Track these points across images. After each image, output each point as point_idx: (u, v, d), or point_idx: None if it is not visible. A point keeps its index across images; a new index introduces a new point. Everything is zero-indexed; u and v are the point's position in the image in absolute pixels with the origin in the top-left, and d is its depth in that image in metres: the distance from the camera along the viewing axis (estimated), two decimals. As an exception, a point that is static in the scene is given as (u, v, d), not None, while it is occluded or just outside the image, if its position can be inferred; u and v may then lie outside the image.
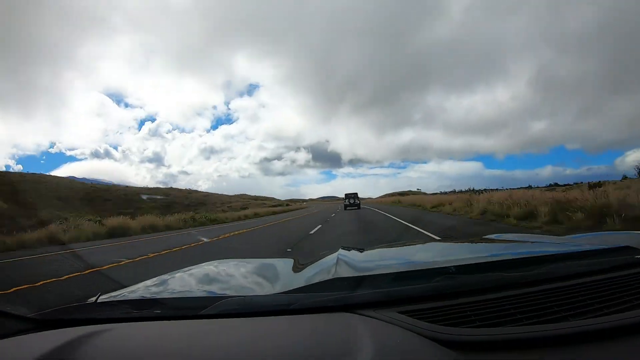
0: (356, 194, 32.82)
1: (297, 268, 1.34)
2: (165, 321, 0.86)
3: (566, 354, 0.64)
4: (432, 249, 1.79)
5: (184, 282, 1.30)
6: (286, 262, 1.45)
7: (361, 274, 1.03)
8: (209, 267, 1.48)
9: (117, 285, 1.23)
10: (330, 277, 1.02)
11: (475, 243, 1.79)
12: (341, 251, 1.38)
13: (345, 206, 30.28)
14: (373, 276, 0.99)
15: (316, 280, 1.04)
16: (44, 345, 0.72)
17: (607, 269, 0.97)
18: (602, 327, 0.69)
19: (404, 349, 0.66)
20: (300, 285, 1.02)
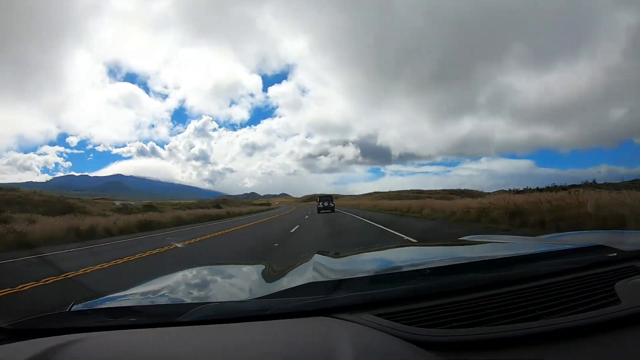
0: (331, 196, 32.64)
1: (273, 273, 1.34)
2: (140, 329, 0.84)
3: (541, 351, 0.66)
4: (408, 251, 1.81)
5: (160, 289, 1.27)
6: (262, 267, 1.45)
7: (337, 278, 1.04)
8: (184, 274, 1.46)
9: (90, 294, 1.19)
10: (306, 281, 1.02)
11: (451, 245, 1.81)
12: (317, 255, 1.39)
13: (319, 209, 29.32)
14: (349, 279, 0.99)
15: (293, 284, 1.04)
16: (17, 357, 0.71)
17: (580, 268, 0.99)
18: (576, 325, 0.71)
19: (382, 352, 0.66)
20: (277, 290, 1.01)
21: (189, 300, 1.09)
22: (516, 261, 1.09)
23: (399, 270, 1.15)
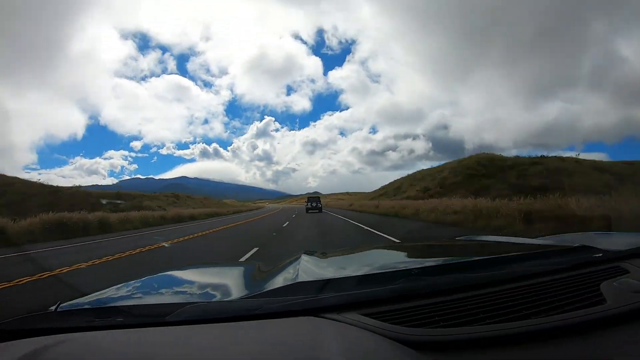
0: (318, 198, 35.02)
1: (261, 273, 1.34)
2: (128, 329, 0.84)
3: (528, 351, 0.67)
4: (396, 251, 1.82)
5: (147, 288, 1.28)
6: (250, 266, 1.46)
7: (325, 278, 1.03)
8: (172, 273, 1.47)
9: (77, 293, 1.18)
10: (294, 281, 1.02)
11: (440, 245, 1.84)
12: (304, 255, 1.39)
13: (307, 209, 30.95)
14: (337, 279, 0.99)
15: (280, 284, 1.04)
16: (2, 357, 0.70)
17: (566, 268, 1.01)
18: (562, 325, 0.72)
19: (369, 351, 0.66)
20: (265, 290, 1.01)
21: (176, 300, 1.09)
22: (503, 261, 1.12)
23: (387, 270, 1.15)
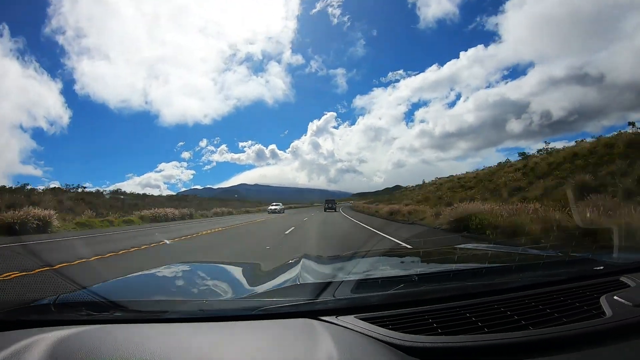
0: (334, 200, 42.05)
1: (261, 273, 1.34)
2: (125, 324, 0.84)
3: None
4: (397, 257, 1.82)
5: (146, 284, 1.28)
6: (250, 267, 1.46)
7: (324, 281, 1.03)
8: (172, 270, 1.47)
9: (76, 286, 1.19)
10: (293, 283, 1.03)
11: (441, 252, 1.83)
12: (305, 258, 1.39)
13: (325, 209, 37.14)
14: (336, 283, 0.99)
15: (279, 286, 1.05)
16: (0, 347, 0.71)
17: (567, 280, 1.00)
18: (560, 336, 0.72)
19: (365, 356, 0.66)
20: (264, 291, 1.02)
21: (176, 297, 1.10)
22: (504, 271, 1.11)
23: (387, 275, 1.16)
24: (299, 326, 0.78)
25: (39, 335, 0.76)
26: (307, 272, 1.17)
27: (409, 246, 7.36)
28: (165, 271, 1.45)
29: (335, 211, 33.74)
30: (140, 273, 1.38)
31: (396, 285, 0.94)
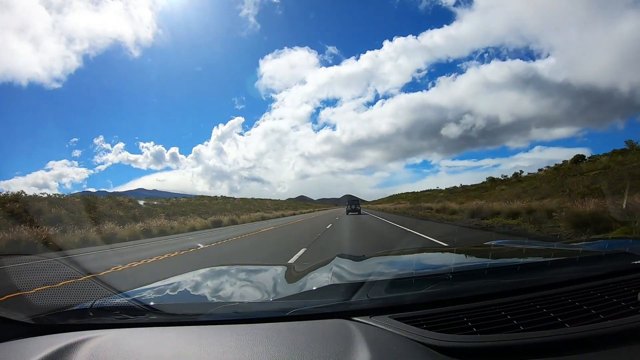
0: (357, 200, 35.20)
1: (294, 274, 1.35)
2: (160, 327, 0.86)
3: None
4: (430, 255, 1.80)
5: (180, 288, 1.30)
6: (283, 268, 1.46)
7: (357, 280, 1.04)
8: (204, 273, 1.48)
9: (113, 291, 1.24)
10: (326, 283, 1.03)
11: (474, 250, 1.80)
12: (337, 258, 1.40)
13: (348, 211, 32.27)
14: (369, 283, 1.00)
15: (313, 286, 1.05)
16: (38, 351, 0.73)
17: (604, 275, 0.97)
18: (599, 334, 0.70)
19: (400, 356, 0.66)
20: (298, 292, 1.02)
21: (209, 300, 1.11)
22: (538, 267, 1.09)
23: (420, 274, 1.15)
24: (333, 327, 0.78)
25: (77, 338, 0.79)
26: (340, 272, 1.17)
27: (443, 243, 7.47)
28: (199, 274, 1.46)
29: (360, 213, 29.51)
30: (174, 277, 1.38)
31: (430, 283, 0.94)
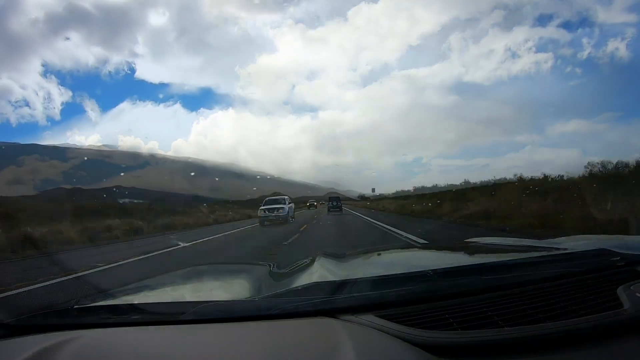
0: (339, 197, 32.97)
1: (277, 273, 1.35)
2: (143, 327, 0.85)
3: (542, 356, 0.67)
4: (413, 254, 1.82)
5: (163, 287, 1.29)
6: (266, 267, 1.46)
7: (341, 279, 1.04)
8: (187, 272, 1.48)
9: (95, 290, 1.23)
10: (310, 281, 1.03)
11: (456, 248, 1.83)
12: (321, 256, 1.40)
13: (329, 208, 28.96)
14: (353, 281, 1.00)
15: (296, 285, 1.05)
16: (20, 352, 0.72)
17: (582, 272, 1.00)
18: (578, 328, 0.71)
19: (384, 353, 0.67)
20: (280, 290, 1.02)
21: (192, 299, 1.10)
22: (519, 265, 1.10)
23: (403, 272, 1.16)
24: (318, 325, 0.79)
25: (60, 338, 0.78)
26: (323, 270, 1.18)
27: (423, 241, 7.50)
28: (182, 273, 1.46)
29: (341, 210, 26.87)
30: (157, 276, 1.36)
31: (412, 281, 0.95)
